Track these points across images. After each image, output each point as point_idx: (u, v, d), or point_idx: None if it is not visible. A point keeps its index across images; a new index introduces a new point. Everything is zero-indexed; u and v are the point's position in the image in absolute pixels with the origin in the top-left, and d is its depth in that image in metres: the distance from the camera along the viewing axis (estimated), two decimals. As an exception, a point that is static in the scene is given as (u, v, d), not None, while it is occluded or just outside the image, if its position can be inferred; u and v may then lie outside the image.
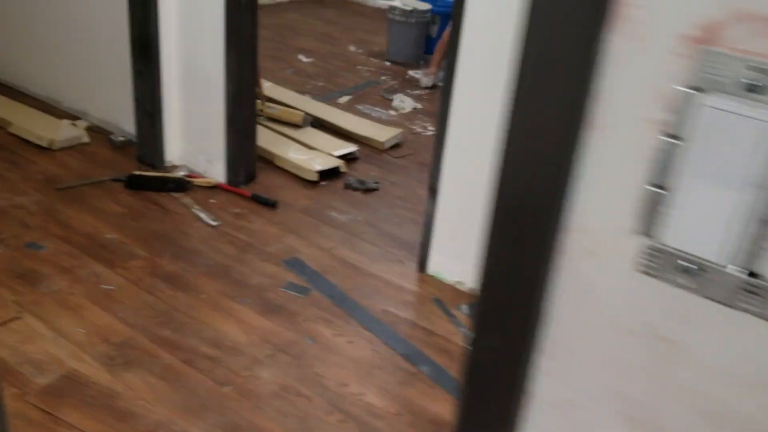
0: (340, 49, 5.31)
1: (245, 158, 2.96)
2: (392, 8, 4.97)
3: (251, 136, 2.96)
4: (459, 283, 2.39)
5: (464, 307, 2.29)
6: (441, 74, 4.69)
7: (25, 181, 2.82)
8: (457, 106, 2.17)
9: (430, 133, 3.81)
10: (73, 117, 3.39)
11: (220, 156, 2.94)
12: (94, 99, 3.33)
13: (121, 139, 3.20)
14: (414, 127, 3.86)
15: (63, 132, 3.15)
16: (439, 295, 2.36)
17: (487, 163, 2.15)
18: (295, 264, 2.45)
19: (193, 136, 3.02)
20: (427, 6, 5.02)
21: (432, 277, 2.45)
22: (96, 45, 3.19)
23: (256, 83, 2.90)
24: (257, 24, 2.78)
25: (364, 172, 3.26)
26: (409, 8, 4.90)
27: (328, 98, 4.18)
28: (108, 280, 2.25)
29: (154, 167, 3.03)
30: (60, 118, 3.32)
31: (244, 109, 2.85)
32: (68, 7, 3.24)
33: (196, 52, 2.83)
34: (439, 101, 2.22)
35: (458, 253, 2.36)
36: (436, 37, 5.16)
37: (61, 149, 3.10)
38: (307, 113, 3.61)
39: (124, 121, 3.21)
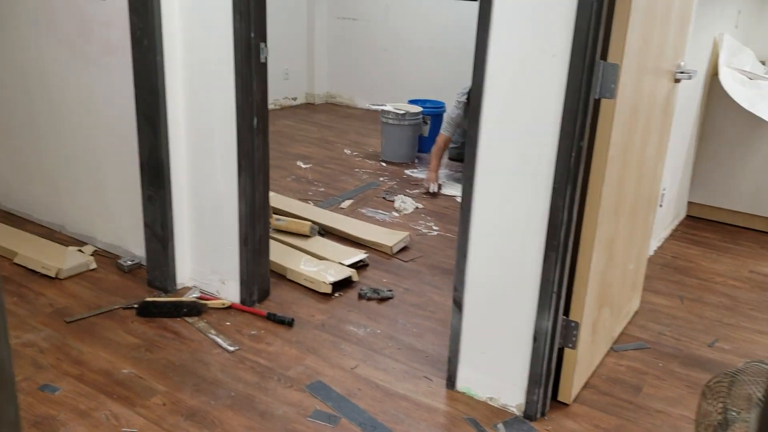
0: (336, 153, 5.39)
1: (259, 276, 2.92)
2: (385, 112, 5.09)
3: (265, 253, 2.93)
4: (492, 399, 2.32)
5: (500, 426, 2.21)
6: (443, 174, 4.77)
7: (34, 315, 2.75)
8: (477, 216, 2.17)
9: (436, 233, 3.82)
10: (78, 243, 3.36)
11: (233, 275, 2.90)
12: (100, 224, 3.31)
13: (130, 263, 3.16)
14: (419, 228, 3.87)
15: (70, 260, 3.11)
16: (471, 413, 2.28)
17: (512, 275, 2.14)
18: (320, 389, 2.37)
19: (205, 257, 2.99)
20: (418, 108, 5.15)
21: (462, 394, 2.37)
22: (102, 170, 3.20)
23: (268, 202, 2.89)
24: (268, 146, 2.80)
25: (376, 279, 3.23)
26: (401, 111, 5.02)
27: (331, 203, 4.20)
28: (129, 422, 2.15)
29: (165, 291, 2.97)
30: (65, 245, 3.29)
31: (257, 228, 2.84)
32: (73, 133, 3.27)
33: (207, 175, 2.84)
34: (460, 212, 2.22)
35: (489, 368, 2.30)
36: (428, 137, 5.27)
37: (69, 277, 3.05)
38: (313, 222, 3.61)
39: (133, 244, 3.18)
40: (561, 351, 2.26)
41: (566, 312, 2.20)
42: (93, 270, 3.14)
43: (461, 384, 2.38)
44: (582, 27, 1.83)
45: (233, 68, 2.61)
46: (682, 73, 2.55)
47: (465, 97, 4.56)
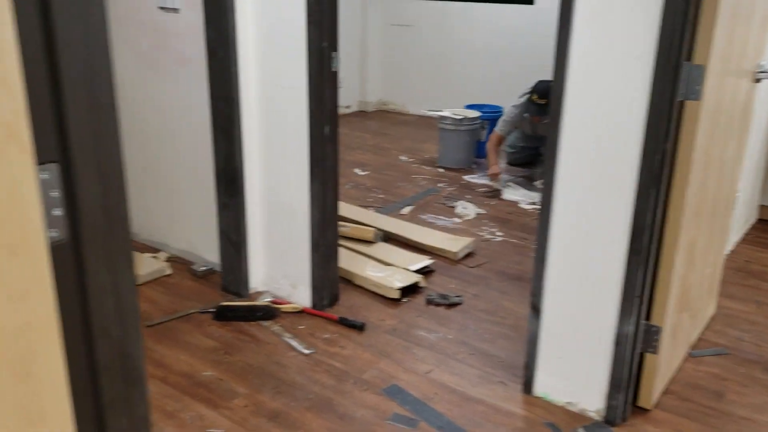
0: (392, 160, 5.43)
1: (329, 281, 2.96)
2: (443, 117, 5.10)
3: (334, 259, 2.98)
4: (570, 404, 2.30)
5: (581, 431, 2.19)
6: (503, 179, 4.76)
7: (116, 319, 2.84)
8: (557, 221, 2.16)
9: (500, 238, 3.80)
10: (152, 249, 3.46)
11: (304, 280, 2.95)
12: (174, 230, 3.41)
13: (203, 268, 3.24)
14: (482, 234, 3.86)
15: (146, 266, 3.21)
16: (550, 418, 2.27)
17: (593, 280, 2.13)
18: (396, 392, 2.39)
19: (277, 262, 3.04)
20: (476, 113, 5.14)
21: (540, 398, 2.36)
22: (177, 178, 3.30)
23: (337, 208, 2.94)
24: (338, 154, 2.85)
25: (443, 285, 3.24)
26: (459, 117, 5.02)
27: (391, 210, 4.22)
28: (214, 423, 2.21)
29: (239, 295, 3.04)
30: (140, 252, 3.39)
31: (328, 234, 2.88)
32: (148, 143, 3.38)
33: (280, 183, 2.90)
34: (539, 216, 2.21)
35: (568, 373, 2.28)
36: (486, 142, 5.25)
37: (145, 283, 3.14)
38: (377, 229, 3.64)
39: (205, 250, 3.27)
40: (641, 356, 2.23)
41: (648, 317, 2.18)
42: (168, 276, 3.23)
43: (538, 389, 2.37)
44: (668, 28, 1.81)
45: (306, 77, 2.66)
46: (763, 72, 2.49)
47: (525, 97, 4.55)
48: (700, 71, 1.89)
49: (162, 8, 3.01)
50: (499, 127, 4.76)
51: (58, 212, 0.85)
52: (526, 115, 4.62)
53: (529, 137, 4.92)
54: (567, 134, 2.06)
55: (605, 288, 2.12)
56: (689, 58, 1.90)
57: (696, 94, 1.92)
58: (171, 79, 3.14)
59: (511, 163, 5.09)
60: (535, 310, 2.29)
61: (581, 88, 2.01)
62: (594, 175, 2.05)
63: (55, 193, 0.85)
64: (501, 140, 4.82)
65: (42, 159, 0.80)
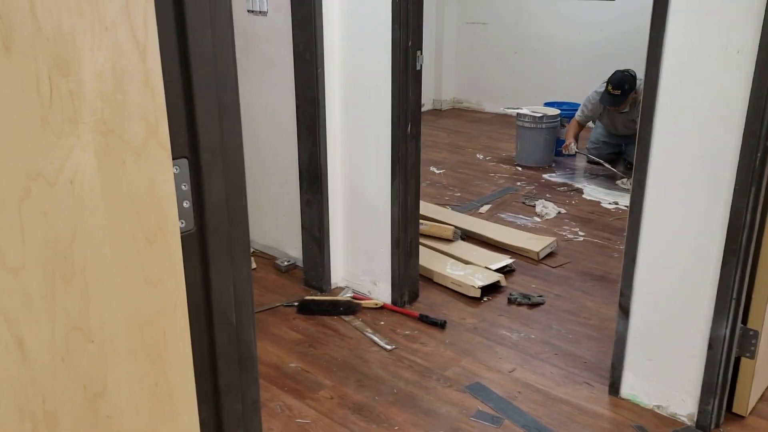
0: (468, 158, 5.41)
1: (409, 278, 3.00)
2: (521, 115, 5.05)
3: (415, 256, 3.01)
4: (659, 407, 2.25)
5: (671, 435, 2.14)
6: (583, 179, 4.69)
7: (206, 310, 2.96)
8: (648, 220, 2.12)
9: (582, 238, 3.74)
10: (238, 244, 3.58)
11: (385, 277, 2.99)
12: (259, 227, 3.52)
13: (286, 263, 3.33)
14: (563, 234, 3.81)
15: (233, 260, 3.32)
16: (639, 421, 2.22)
17: (686, 280, 2.07)
18: (479, 390, 2.40)
19: (357, 259, 3.10)
20: (555, 111, 5.07)
21: (627, 401, 2.32)
22: (262, 176, 3.40)
23: (418, 206, 2.97)
24: (420, 152, 2.88)
25: (524, 284, 3.22)
26: (539, 114, 4.96)
27: (469, 208, 4.22)
28: (301, 413, 2.28)
29: (320, 290, 3.12)
30: (227, 246, 3.51)
31: (409, 231, 2.91)
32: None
33: (362, 180, 2.95)
34: (629, 214, 2.17)
35: (657, 375, 2.23)
36: (564, 140, 5.18)
37: (233, 277, 3.26)
38: (456, 227, 3.64)
39: (288, 246, 3.36)
40: (737, 360, 2.16)
41: (744, 320, 2.10)
42: (253, 270, 3.34)
43: (626, 390, 2.32)
44: (771, 21, 1.75)
45: (390, 76, 2.70)
46: None
47: (603, 86, 4.49)
48: (806, 65, 1.81)
49: (251, 11, 3.12)
50: (577, 113, 4.85)
51: (186, 204, 0.91)
52: (601, 105, 4.60)
53: (611, 135, 4.84)
54: (660, 131, 2.02)
55: (699, 289, 2.06)
56: (794, 51, 1.83)
57: (800, 89, 1.84)
58: (258, 80, 3.24)
59: (592, 159, 4.99)
60: (624, 310, 2.25)
61: (676, 84, 1.96)
62: (688, 172, 2.00)
63: (185, 187, 0.90)
64: (579, 127, 4.84)
65: (174, 155, 0.86)
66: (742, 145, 1.87)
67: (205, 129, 0.90)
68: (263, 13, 3.08)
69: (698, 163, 1.98)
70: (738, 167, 1.89)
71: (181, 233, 0.89)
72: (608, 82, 4.48)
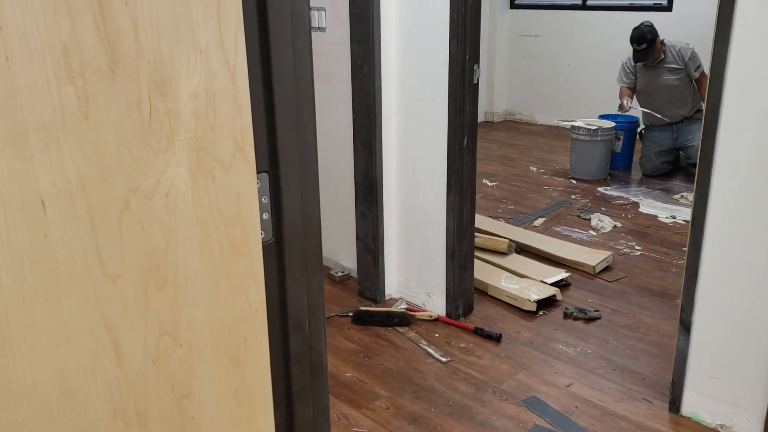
0: (521, 171, 5.39)
1: (464, 291, 3.00)
2: (575, 128, 5.01)
3: (470, 269, 3.01)
4: (723, 426, 2.20)
5: (736, 456, 2.09)
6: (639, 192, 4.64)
7: (264, 319, 3.03)
8: (711, 235, 2.09)
9: (639, 253, 3.68)
10: (294, 255, 3.65)
11: (439, 289, 3.01)
12: (314, 238, 3.58)
13: (341, 274, 3.38)
14: (620, 248, 3.75)
15: (289, 270, 3.39)
16: (701, 440, 2.18)
17: (750, 297, 2.03)
18: (536, 404, 2.39)
19: (412, 271, 3.12)
20: (611, 123, 5.01)
21: (688, 419, 2.27)
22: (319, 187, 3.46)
23: (473, 219, 2.98)
24: (476, 165, 2.89)
25: (580, 299, 3.19)
26: (594, 127, 4.91)
27: (523, 221, 4.20)
28: (358, 422, 2.31)
29: (375, 301, 3.15)
30: (284, 257, 3.59)
31: (464, 244, 2.93)
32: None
33: (417, 193, 2.98)
34: (690, 230, 2.14)
35: (720, 394, 2.18)
36: (621, 153, 5.11)
37: (289, 287, 3.32)
38: (510, 240, 3.63)
39: (343, 257, 3.41)
40: (805, 381, 2.09)
41: (813, 338, 2.04)
42: (309, 280, 3.40)
43: (686, 408, 2.28)
44: (843, 33, 1.71)
45: (446, 90, 2.73)
46: None
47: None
48: None
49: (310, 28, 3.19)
50: (617, 78, 5.07)
51: (266, 216, 0.96)
52: (632, 65, 4.92)
53: (665, 151, 4.81)
54: (723, 144, 1.99)
55: (763, 305, 2.02)
56: None
57: None
58: (315, 95, 3.30)
59: (647, 174, 4.93)
60: (685, 326, 2.21)
61: (740, 98, 1.93)
62: (753, 188, 1.96)
63: (265, 200, 0.95)
64: (627, 88, 5.00)
65: (258, 169, 0.91)
66: (811, 160, 1.83)
67: (285, 145, 0.95)
68: (322, 29, 3.16)
69: (763, 179, 1.94)
70: (807, 182, 1.85)
71: (262, 244, 0.94)
72: (631, 41, 4.79)
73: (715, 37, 1.95)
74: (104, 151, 0.73)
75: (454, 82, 2.70)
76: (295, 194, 0.99)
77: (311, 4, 3.15)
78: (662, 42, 4.78)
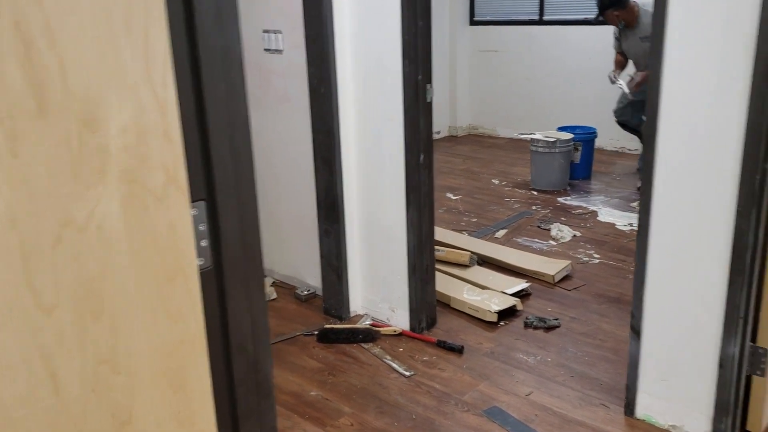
0: (483, 183, 5.47)
1: (427, 304, 3.05)
2: (534, 140, 5.11)
3: (431, 282, 3.06)
4: (674, 427, 2.27)
5: (688, 456, 2.16)
6: (599, 201, 4.74)
7: (228, 341, 3.03)
8: (655, 243, 2.16)
9: (597, 261, 3.77)
10: (259, 275, 3.66)
11: (402, 304, 3.05)
12: (279, 257, 3.60)
13: (306, 292, 3.40)
14: (579, 256, 3.84)
15: (254, 290, 3.40)
16: (655, 442, 2.24)
17: (694, 301, 2.10)
18: (497, 414, 2.43)
19: (375, 287, 3.16)
20: (569, 135, 5.13)
21: (642, 421, 2.34)
22: (281, 207, 3.49)
23: (433, 233, 3.03)
24: (433, 180, 2.95)
25: (540, 308, 3.25)
26: (552, 139, 5.02)
27: (485, 233, 4.27)
28: (322, 439, 2.33)
29: (340, 318, 3.18)
30: (248, 277, 3.60)
31: (424, 258, 2.97)
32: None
33: (377, 209, 3.03)
34: (637, 239, 2.22)
35: (670, 395, 2.25)
36: (579, 163, 5.23)
37: (254, 307, 3.33)
38: (472, 252, 3.69)
39: (308, 275, 3.43)
40: (749, 378, 2.17)
41: (753, 338, 2.12)
42: (273, 300, 3.42)
43: (641, 411, 2.34)
44: (764, 51, 1.81)
45: (402, 108, 2.79)
46: None
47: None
48: (803, 88, 1.86)
49: (267, 50, 3.23)
50: (615, 46, 5.12)
51: (204, 243, 0.99)
52: (616, 30, 4.99)
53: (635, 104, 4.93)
54: (662, 155, 2.07)
55: (707, 309, 2.10)
56: (790, 75, 1.88)
57: (799, 112, 1.88)
58: (274, 115, 3.35)
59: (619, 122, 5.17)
60: (636, 332, 2.28)
61: (677, 112, 2.02)
62: (691, 196, 2.04)
63: (202, 227, 0.98)
64: (618, 55, 5.07)
65: (193, 197, 0.94)
66: (741, 169, 1.91)
67: (221, 173, 0.98)
68: (279, 51, 3.20)
69: (701, 187, 2.02)
70: (739, 190, 1.93)
71: (200, 270, 0.97)
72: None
73: (651, 52, 2.03)
74: (35, 186, 0.75)
75: (408, 101, 2.76)
76: (234, 220, 1.02)
77: (269, 27, 3.21)
78: (635, 7, 4.73)
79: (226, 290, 1.03)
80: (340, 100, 2.94)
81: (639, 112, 4.83)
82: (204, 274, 0.99)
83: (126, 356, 0.88)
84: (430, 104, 2.81)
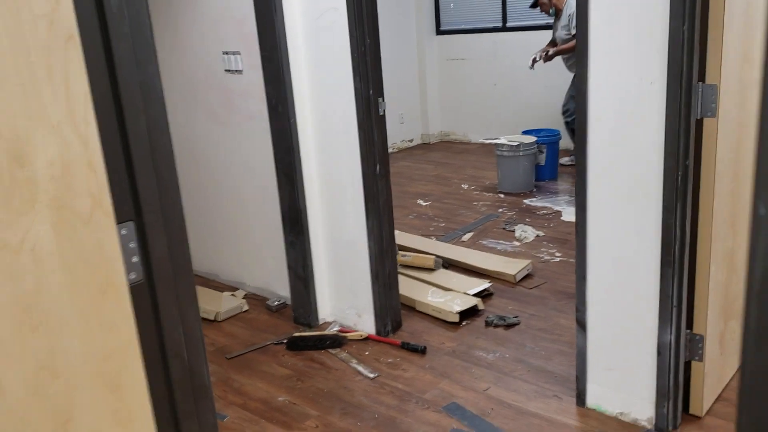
0: (454, 188, 5.61)
1: (391, 309, 3.17)
2: (499, 145, 5.26)
3: (395, 287, 3.18)
4: (622, 414, 2.39)
5: (632, 439, 2.28)
6: (563, 201, 4.89)
7: (201, 353, 3.13)
8: (592, 239, 2.29)
9: (558, 259, 3.90)
10: (231, 288, 3.77)
11: (368, 309, 3.16)
12: (249, 270, 3.71)
13: (276, 303, 3.51)
14: (541, 255, 3.97)
15: (226, 304, 3.51)
16: (603, 428, 2.37)
17: (630, 293, 2.23)
18: (455, 409, 2.55)
19: (342, 294, 3.28)
20: (532, 138, 5.27)
21: (592, 410, 2.46)
22: (249, 221, 3.60)
23: (394, 240, 3.15)
24: (391, 189, 3.07)
25: (502, 307, 3.38)
26: (515, 143, 5.17)
27: (452, 237, 4.40)
28: (288, 442, 2.44)
29: (309, 326, 3.29)
30: (221, 291, 3.70)
31: (386, 264, 3.09)
32: (221, 192, 3.71)
33: (339, 220, 3.15)
34: (569, 230, 2.35)
35: (617, 384, 2.38)
36: (545, 165, 5.37)
37: (226, 319, 3.44)
38: (437, 256, 3.82)
39: (278, 286, 3.54)
40: (688, 364, 2.30)
41: (689, 326, 2.26)
42: (246, 311, 3.52)
43: (591, 401, 2.47)
44: (675, 56, 1.95)
45: (356, 123, 2.91)
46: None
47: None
48: (713, 90, 2.00)
49: (228, 71, 3.35)
50: None
51: (135, 259, 1.10)
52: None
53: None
54: (593, 158, 2.21)
55: (643, 300, 2.23)
56: (702, 78, 2.02)
57: (712, 111, 2.03)
58: (238, 133, 3.46)
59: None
60: (581, 325, 2.41)
61: (604, 115, 2.15)
62: (621, 195, 2.18)
63: (132, 244, 1.10)
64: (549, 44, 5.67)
65: (121, 219, 1.06)
66: (664, 166, 2.05)
67: (146, 196, 1.10)
68: (239, 72, 3.32)
69: (629, 185, 2.16)
70: (663, 186, 2.07)
71: (131, 284, 1.08)
72: None
73: (577, 61, 2.17)
74: (-30, 217, 0.87)
75: (361, 114, 2.88)
76: (161, 238, 1.13)
77: (228, 49, 3.33)
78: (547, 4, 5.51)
79: (159, 301, 1.14)
80: (300, 117, 3.06)
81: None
82: (136, 288, 1.10)
83: (64, 362, 0.99)
84: (382, 117, 2.94)
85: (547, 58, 5.48)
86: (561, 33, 5.44)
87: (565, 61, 5.51)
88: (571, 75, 5.45)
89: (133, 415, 1.09)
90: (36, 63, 0.91)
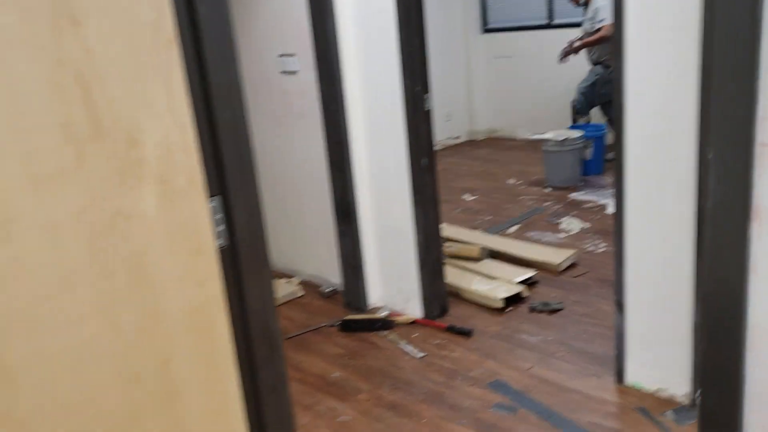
0: (500, 184, 5.73)
1: (437, 295, 3.33)
2: (546, 140, 5.36)
3: (441, 275, 3.34)
4: (660, 390, 2.51)
5: (669, 413, 2.40)
6: (608, 193, 4.98)
7: (260, 334, 3.37)
8: (630, 225, 2.42)
9: (603, 249, 4.00)
10: (287, 276, 4.00)
11: (415, 295, 3.34)
12: (304, 258, 3.93)
13: (329, 289, 3.72)
14: (586, 246, 4.08)
15: (282, 289, 3.74)
16: (641, 403, 2.48)
17: (666, 276, 2.35)
18: (499, 386, 2.70)
19: (390, 280, 3.46)
20: (579, 133, 5.35)
21: (631, 387, 2.58)
22: (303, 212, 3.82)
23: (439, 229, 3.32)
24: (437, 181, 3.24)
25: (546, 294, 3.50)
26: (562, 138, 5.26)
27: (498, 230, 4.53)
28: (343, 412, 2.63)
29: (360, 311, 3.48)
30: (278, 278, 3.93)
31: (432, 253, 3.26)
32: (277, 185, 3.94)
33: (387, 210, 3.33)
34: (613, 222, 2.47)
35: (654, 362, 2.50)
36: (591, 160, 5.45)
37: (283, 304, 3.67)
38: (482, 247, 3.96)
39: (330, 273, 3.75)
40: (724, 344, 2.40)
41: (725, 306, 2.36)
42: (300, 297, 3.74)
43: (630, 378, 2.59)
44: (706, 48, 2.06)
45: (403, 117, 3.09)
46: None
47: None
48: (744, 80, 2.11)
49: (283, 72, 3.58)
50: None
51: (221, 228, 1.31)
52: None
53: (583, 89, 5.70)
54: (630, 142, 2.33)
55: (678, 282, 2.34)
56: (733, 69, 2.12)
57: (743, 100, 2.13)
58: (293, 130, 3.68)
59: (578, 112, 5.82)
60: (619, 306, 2.53)
61: (641, 105, 2.28)
62: (657, 181, 2.30)
63: (219, 215, 1.30)
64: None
65: (211, 193, 1.26)
66: (697, 152, 2.16)
67: (230, 176, 1.30)
68: (294, 73, 3.54)
69: (665, 172, 2.27)
70: (697, 172, 2.18)
71: (219, 248, 1.29)
72: None
73: (614, 54, 2.30)
74: (94, 188, 1.08)
75: (408, 110, 3.06)
76: (242, 211, 1.34)
77: (284, 52, 3.55)
78: None
79: (239, 264, 1.35)
80: (350, 113, 3.26)
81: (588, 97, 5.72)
82: (222, 251, 1.31)
83: (165, 311, 1.20)
84: (428, 112, 3.11)
85: (574, 50, 5.68)
86: (586, 25, 5.61)
87: (589, 53, 5.67)
88: (588, 68, 5.75)
89: (220, 362, 1.30)
90: (145, 62, 1.12)
